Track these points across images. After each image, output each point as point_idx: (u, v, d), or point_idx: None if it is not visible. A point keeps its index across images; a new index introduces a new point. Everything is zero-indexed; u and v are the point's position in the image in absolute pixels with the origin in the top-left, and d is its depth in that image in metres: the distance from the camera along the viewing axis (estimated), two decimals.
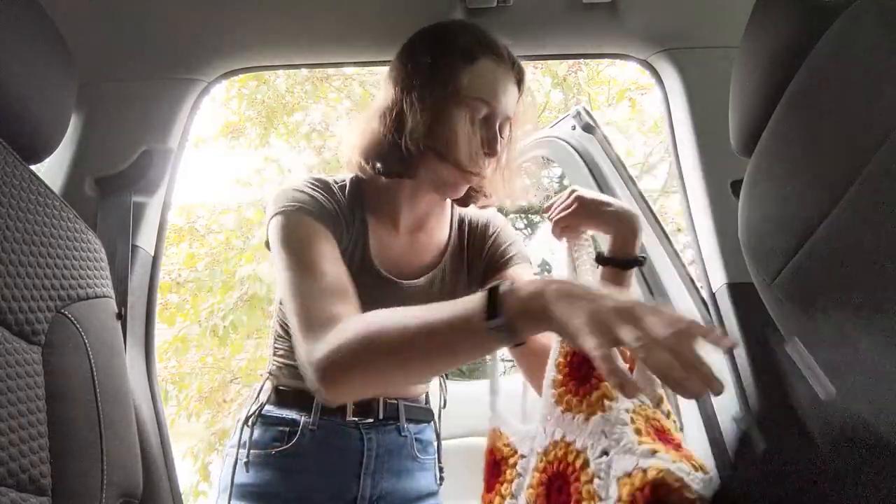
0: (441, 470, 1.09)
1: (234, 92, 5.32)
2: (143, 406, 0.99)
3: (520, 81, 0.94)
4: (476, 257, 1.03)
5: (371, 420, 0.97)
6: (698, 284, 1.38)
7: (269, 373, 1.00)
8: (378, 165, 0.91)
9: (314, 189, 0.89)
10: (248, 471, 0.93)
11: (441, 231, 1.03)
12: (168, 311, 4.73)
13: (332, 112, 5.76)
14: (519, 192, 1.00)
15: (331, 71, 5.22)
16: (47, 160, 0.81)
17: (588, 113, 1.69)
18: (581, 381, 0.65)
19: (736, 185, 1.02)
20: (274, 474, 0.93)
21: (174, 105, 1.13)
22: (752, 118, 0.64)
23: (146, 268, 1.09)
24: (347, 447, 0.95)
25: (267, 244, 0.87)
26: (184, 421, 5.46)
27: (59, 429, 0.67)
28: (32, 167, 0.74)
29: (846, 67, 0.50)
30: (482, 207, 1.05)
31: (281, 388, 0.98)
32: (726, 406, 1.20)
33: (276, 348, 1.01)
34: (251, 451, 0.94)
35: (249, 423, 0.96)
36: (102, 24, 1.06)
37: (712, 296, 1.05)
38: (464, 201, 0.99)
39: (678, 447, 0.58)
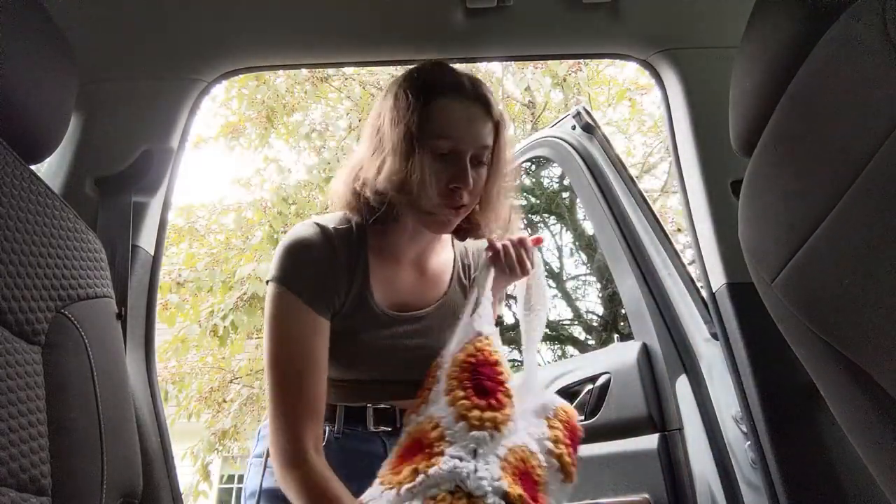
0: None
1: (234, 92, 5.32)
2: (143, 406, 0.99)
3: (489, 112, 0.94)
4: (472, 285, 1.08)
5: (390, 429, 1.02)
6: (698, 284, 1.38)
7: None
8: (361, 216, 0.97)
9: (315, 246, 0.94)
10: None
11: (445, 262, 1.08)
12: (168, 311, 4.73)
13: (332, 112, 5.77)
14: (503, 222, 1.01)
15: (331, 71, 5.22)
16: (47, 160, 0.81)
17: (588, 113, 1.69)
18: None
19: (736, 185, 1.02)
20: None
21: (174, 105, 1.13)
22: (752, 118, 0.64)
23: (146, 268, 1.09)
24: (370, 454, 1.01)
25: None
26: (184, 421, 5.47)
27: (59, 429, 0.67)
28: (32, 167, 0.74)
29: (846, 67, 0.50)
30: (478, 239, 1.07)
31: None
32: (726, 406, 1.20)
33: None
34: None
35: None
36: (102, 24, 1.06)
37: (712, 296, 1.05)
38: (460, 235, 1.03)
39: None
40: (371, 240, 1.00)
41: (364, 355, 0.98)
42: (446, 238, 1.08)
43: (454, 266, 1.08)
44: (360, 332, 0.97)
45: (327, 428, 1.00)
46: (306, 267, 0.93)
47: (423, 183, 0.89)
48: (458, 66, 0.99)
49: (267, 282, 0.94)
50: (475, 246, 1.13)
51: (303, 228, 0.96)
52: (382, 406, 1.02)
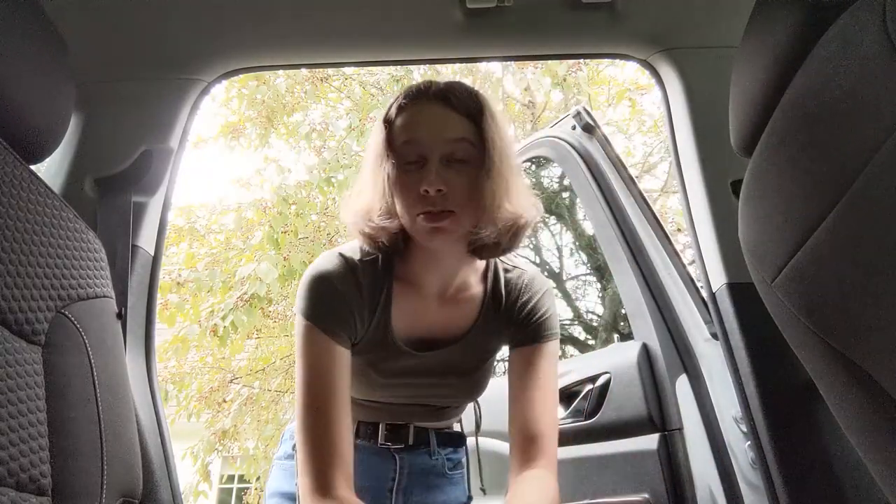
0: (470, 486, 1.17)
1: (234, 92, 5.32)
2: (142, 406, 0.99)
3: (450, 106, 0.87)
4: (509, 320, 1.00)
5: (402, 446, 1.06)
6: (698, 284, 1.38)
7: None
8: (373, 246, 0.91)
9: (336, 277, 0.91)
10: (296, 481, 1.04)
11: (475, 293, 0.99)
12: (168, 311, 4.73)
13: (332, 112, 5.76)
14: (510, 228, 0.88)
15: (331, 71, 5.22)
16: (47, 160, 0.81)
17: (588, 113, 1.69)
18: None
19: (736, 185, 1.02)
20: None
21: (174, 105, 1.13)
22: (752, 118, 0.64)
23: (146, 268, 1.09)
24: (380, 467, 1.06)
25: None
26: (184, 421, 5.47)
27: (59, 429, 0.67)
28: (32, 167, 0.74)
29: (846, 67, 0.50)
30: (494, 256, 0.96)
31: None
32: (726, 406, 1.20)
33: None
34: None
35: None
36: (102, 24, 1.06)
37: (712, 296, 1.05)
38: (478, 253, 0.92)
39: None
40: (397, 268, 0.95)
41: (379, 384, 0.98)
42: (478, 268, 1.00)
43: (483, 298, 0.99)
44: (378, 362, 0.95)
45: None
46: (326, 298, 0.90)
47: (399, 197, 0.87)
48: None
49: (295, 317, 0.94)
50: (520, 276, 1.02)
51: (325, 260, 0.94)
52: (396, 423, 1.05)
